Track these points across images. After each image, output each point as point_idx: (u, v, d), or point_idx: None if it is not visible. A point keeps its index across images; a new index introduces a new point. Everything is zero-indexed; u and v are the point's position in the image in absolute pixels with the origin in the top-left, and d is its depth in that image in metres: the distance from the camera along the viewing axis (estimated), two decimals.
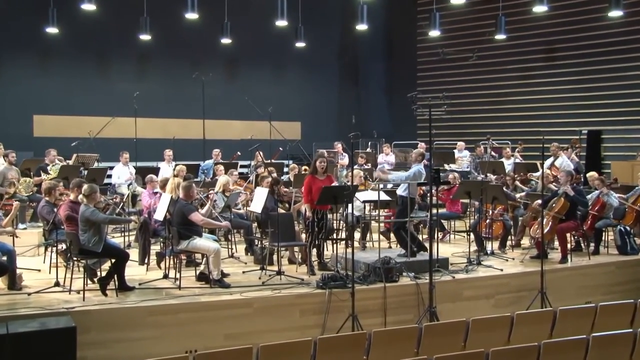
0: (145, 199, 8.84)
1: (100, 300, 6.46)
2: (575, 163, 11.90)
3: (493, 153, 13.55)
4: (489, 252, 8.86)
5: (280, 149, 14.30)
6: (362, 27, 14.60)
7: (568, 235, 8.71)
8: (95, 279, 6.96)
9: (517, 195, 9.97)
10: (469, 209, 10.70)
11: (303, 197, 7.97)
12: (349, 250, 6.96)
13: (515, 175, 11.06)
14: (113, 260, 6.79)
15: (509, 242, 9.43)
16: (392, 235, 9.99)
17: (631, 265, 8.66)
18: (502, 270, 8.00)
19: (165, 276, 7.37)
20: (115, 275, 6.72)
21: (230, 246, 8.98)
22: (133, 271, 7.65)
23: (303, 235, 8.81)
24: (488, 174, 11.06)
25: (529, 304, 7.37)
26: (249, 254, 9.01)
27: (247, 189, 10.49)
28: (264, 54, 18.16)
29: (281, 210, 8.94)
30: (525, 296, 7.63)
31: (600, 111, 16.29)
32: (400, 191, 8.23)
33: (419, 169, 8.08)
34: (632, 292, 8.21)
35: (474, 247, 8.91)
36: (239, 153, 13.80)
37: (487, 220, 9.07)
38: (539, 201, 8.41)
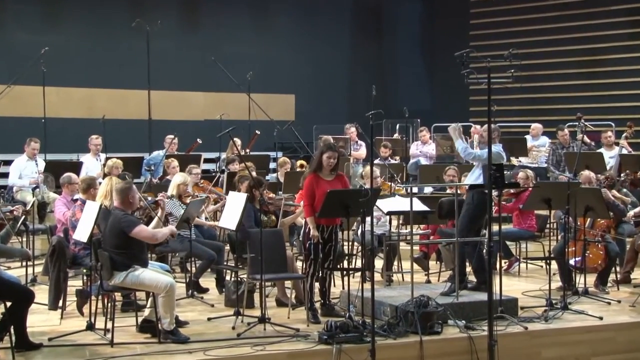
0: (60, 210, 8.83)
1: None
2: None
3: (586, 139, 13.51)
4: (580, 290, 8.83)
5: (257, 132, 14.29)
6: None
7: None
8: None
9: (633, 213, 9.90)
10: (548, 225, 10.66)
11: (303, 206, 7.96)
12: (367, 286, 6.88)
13: (622, 175, 11.00)
14: (8, 304, 6.74)
15: (612, 276, 9.40)
16: (430, 262, 10.02)
17: None
18: (601, 318, 7.97)
19: (90, 327, 7.33)
20: (12, 327, 6.68)
21: (189, 280, 8.96)
22: (40, 319, 7.60)
23: (299, 264, 8.77)
24: (580, 172, 11.02)
25: None
26: (219, 291, 9.03)
27: (212, 193, 10.46)
28: None
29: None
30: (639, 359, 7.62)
31: None
32: (472, 181, 8.26)
33: (498, 150, 8.08)
34: None
35: (557, 283, 8.85)
36: (199, 141, 13.79)
37: (579, 243, 9.04)
38: None
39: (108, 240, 7.14)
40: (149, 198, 8.45)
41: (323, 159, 7.80)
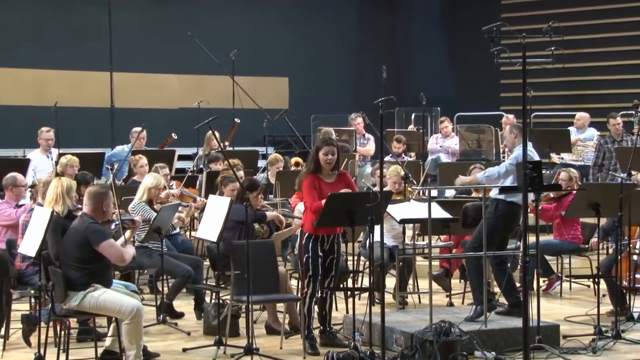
0: (3, 216, 8.83)
1: None
2: None
3: None
4: (636, 315, 8.84)
5: (237, 120, 14.24)
6: None
7: None
8: None
9: None
10: (597, 237, 10.64)
11: (304, 211, 7.95)
12: (376, 309, 6.87)
13: None
14: None
15: None
16: (452, 281, 9.99)
17: None
18: None
19: (39, 359, 7.30)
20: None
21: (161, 302, 8.94)
22: None
23: (293, 283, 8.75)
24: (633, 172, 11.01)
25: None
26: (196, 316, 9.02)
27: (186, 198, 10.44)
28: None
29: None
30: None
31: None
32: (496, 193, 8.30)
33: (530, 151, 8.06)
34: None
35: (607, 306, 8.84)
36: (174, 136, 13.76)
37: (634, 257, 9.00)
38: None
39: (69, 251, 7.08)
40: (126, 216, 8.42)
41: (319, 156, 7.75)
